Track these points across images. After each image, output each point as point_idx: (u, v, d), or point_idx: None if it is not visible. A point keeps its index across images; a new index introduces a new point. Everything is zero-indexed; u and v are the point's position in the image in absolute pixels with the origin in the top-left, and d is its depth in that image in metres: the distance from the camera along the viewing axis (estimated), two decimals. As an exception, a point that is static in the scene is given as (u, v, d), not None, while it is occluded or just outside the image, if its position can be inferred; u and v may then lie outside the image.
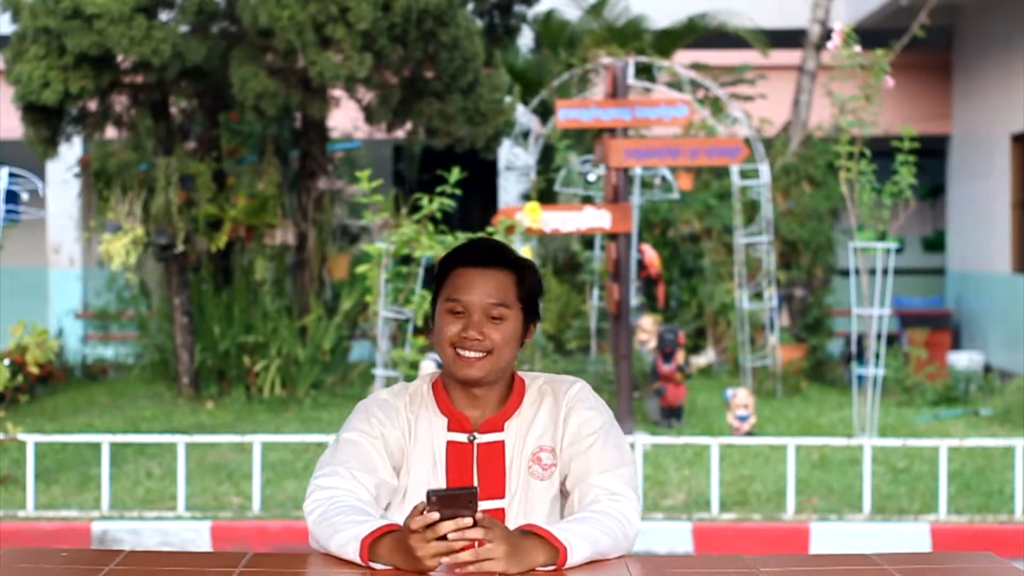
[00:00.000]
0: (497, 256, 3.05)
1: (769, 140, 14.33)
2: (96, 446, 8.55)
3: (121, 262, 11.67)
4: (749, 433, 9.90)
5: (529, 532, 2.80)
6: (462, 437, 3.05)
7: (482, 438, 3.05)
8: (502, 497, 3.02)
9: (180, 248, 11.77)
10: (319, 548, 2.90)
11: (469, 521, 2.69)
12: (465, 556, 2.71)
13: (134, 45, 10.51)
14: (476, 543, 2.71)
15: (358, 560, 2.78)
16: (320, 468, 3.03)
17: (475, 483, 3.01)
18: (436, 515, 2.68)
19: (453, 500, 2.69)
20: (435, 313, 3.09)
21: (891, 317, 11.89)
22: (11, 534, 7.49)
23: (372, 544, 2.78)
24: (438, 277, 3.10)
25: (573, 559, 2.79)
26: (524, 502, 3.02)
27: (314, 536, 2.92)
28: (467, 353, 3.00)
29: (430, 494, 2.71)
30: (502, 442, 3.05)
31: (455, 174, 9.19)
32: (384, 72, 11.42)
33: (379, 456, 3.02)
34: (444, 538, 2.69)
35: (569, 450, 3.05)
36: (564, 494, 3.09)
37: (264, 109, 10.99)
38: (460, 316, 3.01)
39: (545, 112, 13.87)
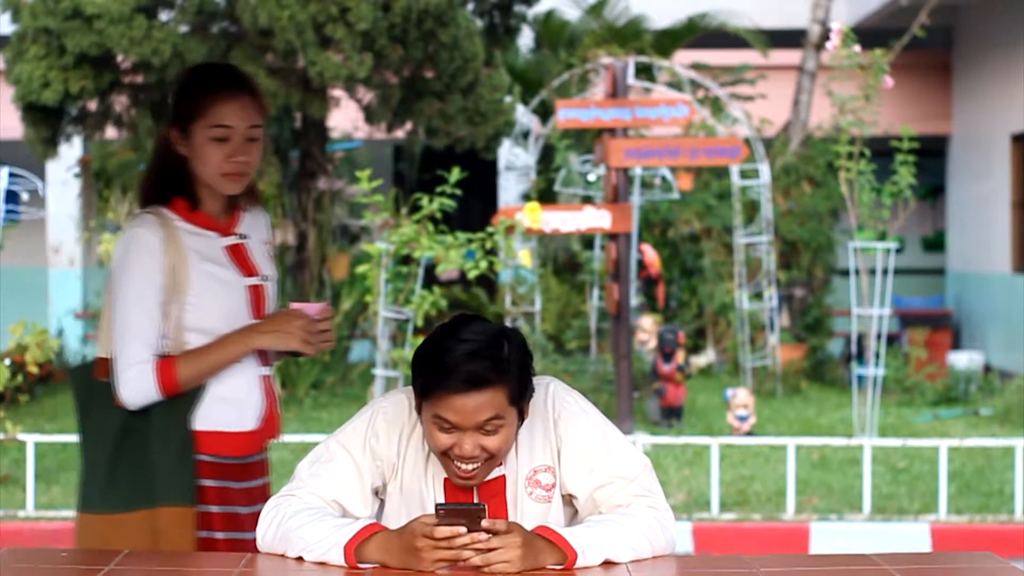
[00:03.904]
0: (479, 379, 2.79)
1: (769, 140, 14.33)
2: (96, 446, 8.53)
3: (121, 262, 11.67)
4: (749, 433, 9.90)
5: (542, 535, 2.78)
6: None
7: None
8: None
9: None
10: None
11: (485, 537, 2.69)
12: (476, 561, 2.70)
13: (134, 45, 10.51)
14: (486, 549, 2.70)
15: (343, 564, 2.77)
16: (292, 479, 2.98)
17: None
18: (463, 530, 2.67)
19: (461, 515, 2.69)
20: (419, 407, 2.90)
21: (891, 317, 11.89)
22: (11, 534, 7.48)
23: (356, 548, 2.77)
24: (416, 384, 2.88)
25: (584, 561, 2.77)
26: (528, 527, 2.87)
27: (275, 551, 2.87)
28: (464, 466, 2.86)
29: (439, 507, 2.70)
30: (503, 476, 2.96)
31: (455, 174, 9.19)
32: (384, 72, 11.42)
33: (358, 481, 2.94)
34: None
35: (574, 469, 2.95)
36: (568, 504, 3.01)
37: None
38: (451, 432, 2.84)
39: (545, 112, 13.86)
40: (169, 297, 3.34)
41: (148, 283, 3.32)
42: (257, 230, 3.56)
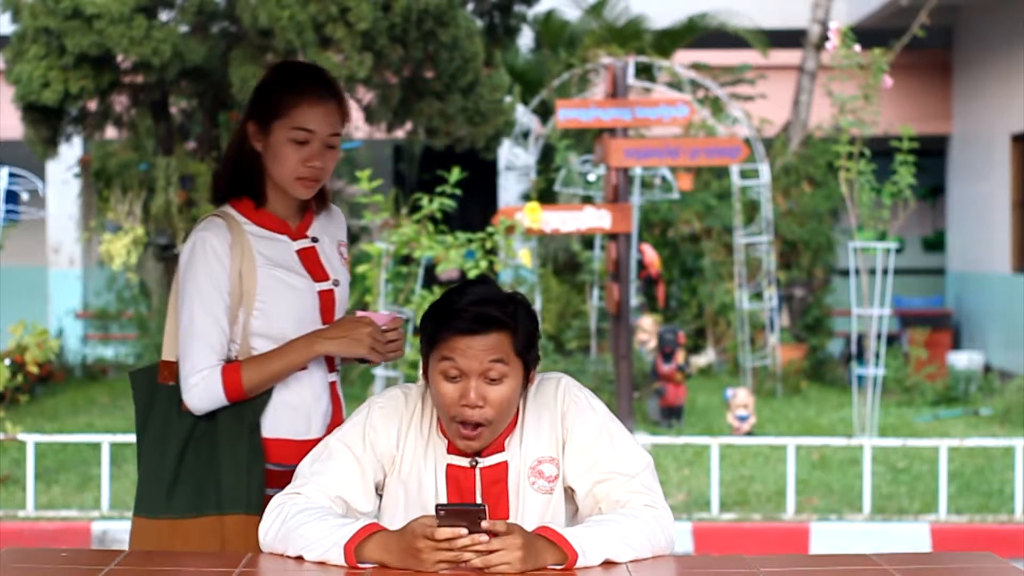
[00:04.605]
0: (486, 320, 2.89)
1: (769, 140, 14.33)
2: (96, 446, 8.55)
3: (121, 262, 11.68)
4: (749, 433, 9.90)
5: (543, 535, 2.78)
6: (464, 461, 2.98)
7: (484, 461, 2.98)
8: (506, 518, 2.95)
9: (180, 248, 11.77)
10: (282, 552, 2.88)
11: (485, 538, 2.69)
12: (476, 563, 2.71)
13: (134, 45, 10.51)
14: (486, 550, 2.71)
15: (343, 564, 2.77)
16: (295, 478, 2.99)
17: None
18: (464, 531, 2.68)
19: (462, 515, 2.69)
20: (427, 367, 2.95)
21: (891, 317, 11.89)
22: (11, 534, 7.49)
23: (356, 548, 2.77)
24: (424, 336, 2.94)
25: (585, 561, 2.78)
26: (529, 519, 2.94)
27: (276, 550, 2.88)
28: (469, 416, 2.88)
29: (439, 508, 2.71)
30: (505, 462, 2.98)
31: (455, 174, 9.20)
32: (384, 72, 11.42)
33: (360, 475, 2.96)
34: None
35: (577, 463, 2.97)
36: (570, 499, 3.03)
37: (264, 109, 10.99)
38: (456, 381, 2.89)
39: (545, 112, 13.87)
40: (236, 302, 3.29)
41: (214, 287, 3.28)
42: (330, 231, 3.49)
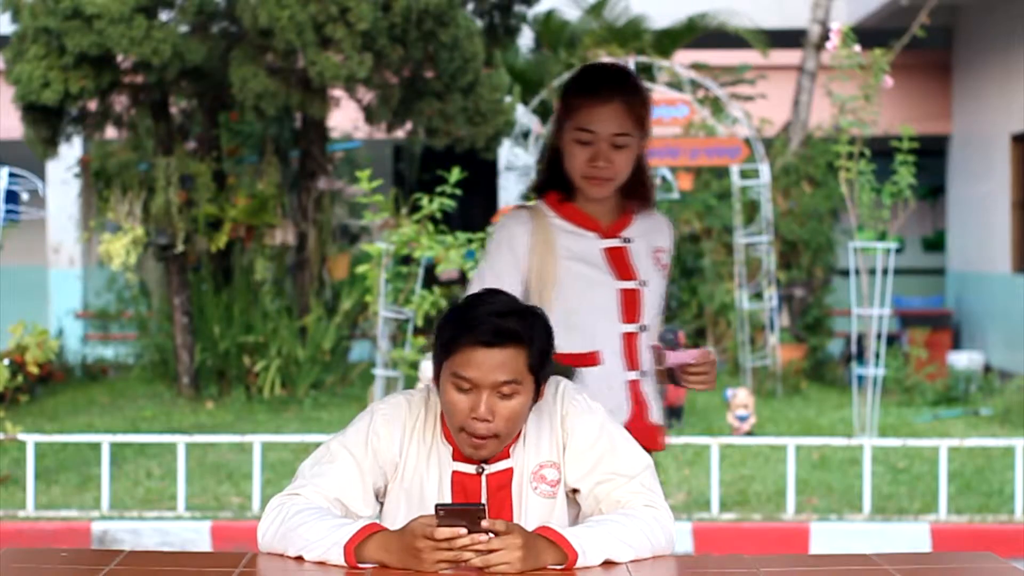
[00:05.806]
0: (504, 333, 2.86)
1: (769, 140, 14.33)
2: (96, 446, 8.55)
3: (121, 262, 11.68)
4: (749, 433, 9.90)
5: (543, 534, 2.79)
6: (470, 468, 2.97)
7: (491, 468, 2.98)
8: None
9: (180, 248, 11.77)
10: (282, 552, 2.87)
11: (485, 538, 2.69)
12: (476, 562, 2.71)
13: (134, 45, 10.51)
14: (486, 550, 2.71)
15: (343, 564, 2.77)
16: (295, 479, 2.99)
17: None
18: (463, 531, 2.68)
19: (461, 515, 2.69)
20: (439, 376, 2.93)
21: (891, 317, 11.89)
22: (11, 534, 7.49)
23: (356, 547, 2.77)
24: (440, 341, 2.92)
25: (585, 561, 2.78)
26: (532, 523, 2.93)
27: (275, 550, 2.88)
28: (478, 427, 2.87)
29: (438, 508, 2.70)
30: (510, 469, 2.98)
31: (455, 174, 9.20)
32: (384, 72, 11.42)
33: (360, 480, 2.95)
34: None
35: (578, 465, 2.98)
36: (572, 502, 3.03)
37: (264, 109, 10.99)
38: (467, 393, 2.87)
39: (545, 112, 13.85)
40: (535, 289, 3.37)
41: (495, 274, 3.40)
42: (649, 236, 3.55)
